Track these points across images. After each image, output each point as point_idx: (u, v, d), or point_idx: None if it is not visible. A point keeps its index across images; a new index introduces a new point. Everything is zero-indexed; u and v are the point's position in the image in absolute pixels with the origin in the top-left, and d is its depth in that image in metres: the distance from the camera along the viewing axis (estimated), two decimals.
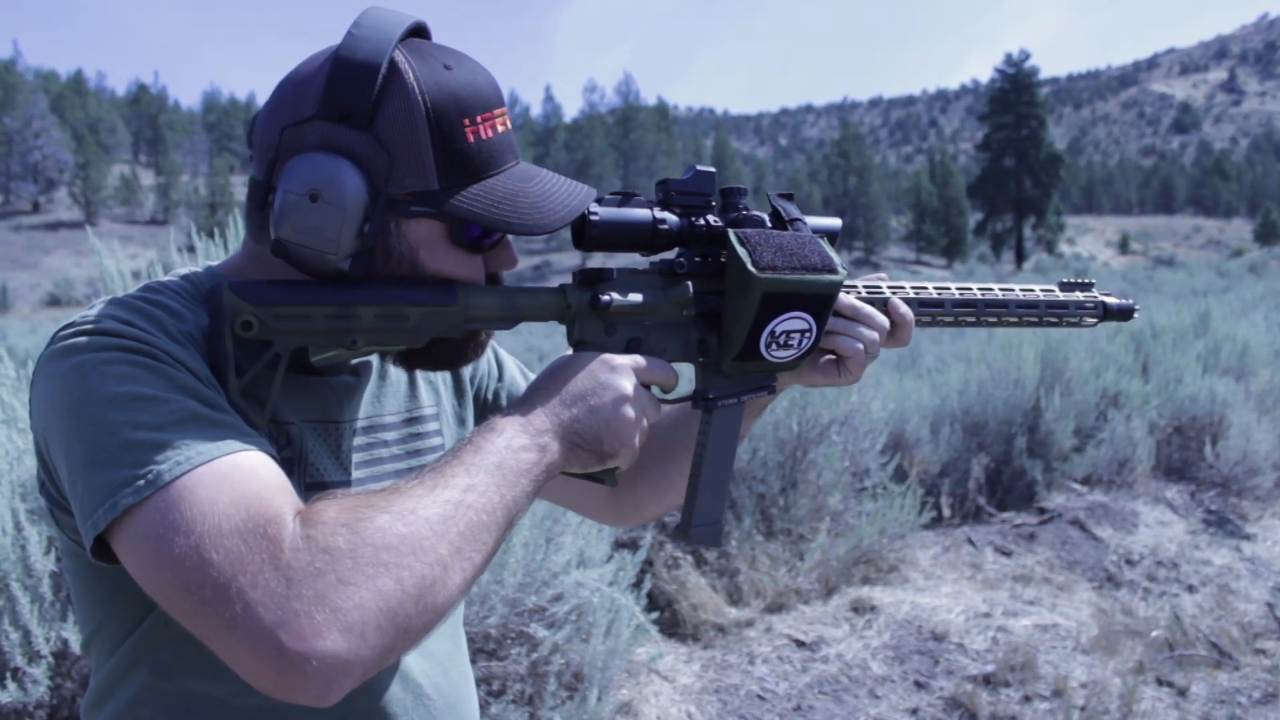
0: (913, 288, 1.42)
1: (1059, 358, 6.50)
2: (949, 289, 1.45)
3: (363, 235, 1.04)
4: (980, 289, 1.47)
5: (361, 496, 0.94)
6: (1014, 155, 72.07)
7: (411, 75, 1.04)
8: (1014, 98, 73.50)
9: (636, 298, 1.20)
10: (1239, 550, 5.65)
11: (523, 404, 1.09)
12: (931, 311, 1.42)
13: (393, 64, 1.04)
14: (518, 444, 1.03)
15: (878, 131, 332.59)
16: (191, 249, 3.35)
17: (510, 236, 1.17)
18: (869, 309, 1.33)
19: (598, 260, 34.57)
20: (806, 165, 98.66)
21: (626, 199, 1.20)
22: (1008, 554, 5.33)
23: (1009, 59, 74.07)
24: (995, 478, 6.18)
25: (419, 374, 1.32)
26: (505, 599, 3.08)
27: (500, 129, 1.10)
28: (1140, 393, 6.66)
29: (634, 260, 1.31)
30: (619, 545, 4.15)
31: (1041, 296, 1.50)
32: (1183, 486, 6.31)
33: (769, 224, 1.27)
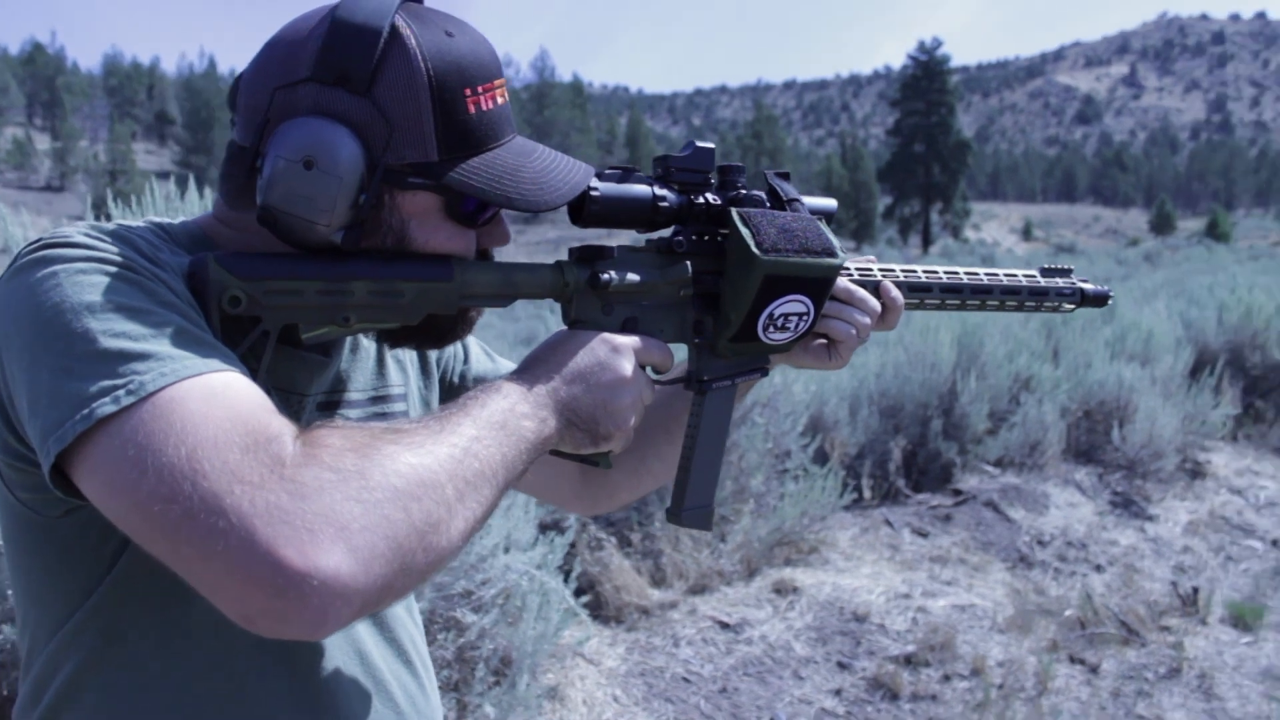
0: (902, 271, 1.42)
1: (975, 342, 6.61)
2: (937, 273, 1.44)
3: (357, 206, 0.99)
4: (967, 274, 1.46)
5: (365, 427, 0.89)
6: (924, 141, 73.08)
7: (414, 41, 0.99)
8: (925, 85, 74.47)
9: (635, 277, 1.16)
10: (1143, 531, 5.81)
11: (524, 374, 1.05)
12: (920, 295, 1.42)
13: (394, 28, 0.99)
14: (520, 410, 0.99)
15: (791, 114, 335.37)
16: (99, 218, 3.21)
17: (504, 212, 1.12)
18: (863, 293, 1.32)
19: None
20: (720, 146, 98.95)
21: (626, 174, 1.16)
22: (924, 535, 5.41)
23: (921, 46, 75.04)
24: (911, 460, 6.26)
25: (389, 353, 1.25)
26: (432, 583, 3.02)
27: (500, 100, 1.06)
28: (1051, 377, 6.80)
29: (627, 238, 1.28)
30: (544, 527, 4.10)
31: (1024, 282, 1.51)
32: (1091, 469, 6.47)
33: (768, 203, 1.24)
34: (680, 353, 1.30)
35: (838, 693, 3.80)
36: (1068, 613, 4.57)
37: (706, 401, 1.27)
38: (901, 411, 6.31)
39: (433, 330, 1.10)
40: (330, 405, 1.15)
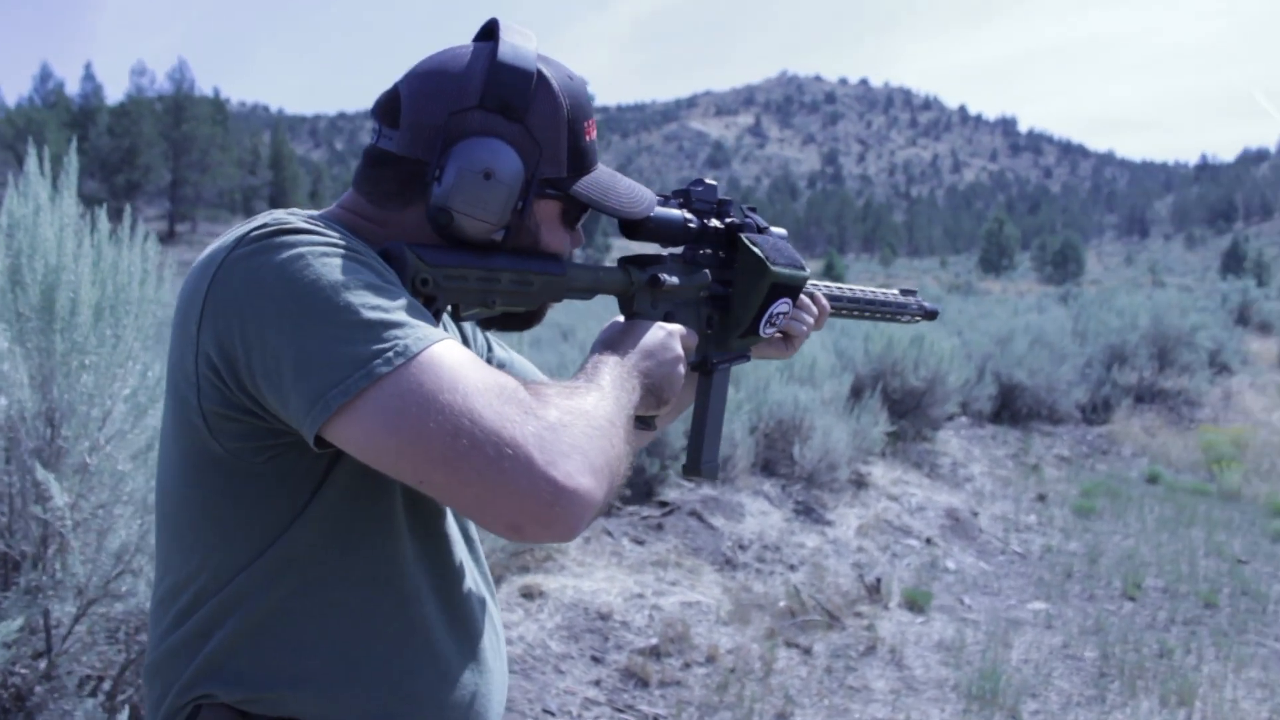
0: (824, 285, 1.75)
1: None
2: (844, 288, 1.79)
3: (515, 212, 1.21)
4: (859, 290, 1.82)
5: (549, 383, 1.12)
6: None
7: (556, 83, 1.23)
8: None
9: (675, 280, 1.43)
10: (824, 534, 6.55)
11: (612, 351, 1.28)
12: (835, 304, 1.75)
13: (539, 71, 1.22)
14: (623, 375, 1.23)
15: None
16: None
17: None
18: (811, 300, 1.66)
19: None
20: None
21: (665, 201, 1.45)
22: (641, 543, 5.83)
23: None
24: None
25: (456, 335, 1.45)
26: None
27: (595, 133, 1.30)
28: (734, 399, 7.48)
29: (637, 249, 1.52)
30: None
31: (893, 299, 1.89)
32: (776, 481, 7.18)
33: (764, 227, 1.54)
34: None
35: (597, 683, 4.11)
36: (781, 604, 5.13)
37: (714, 380, 1.56)
38: None
39: (522, 318, 1.33)
40: None
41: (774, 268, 1.48)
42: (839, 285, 1.80)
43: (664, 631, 4.57)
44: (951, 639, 5.06)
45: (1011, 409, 11.88)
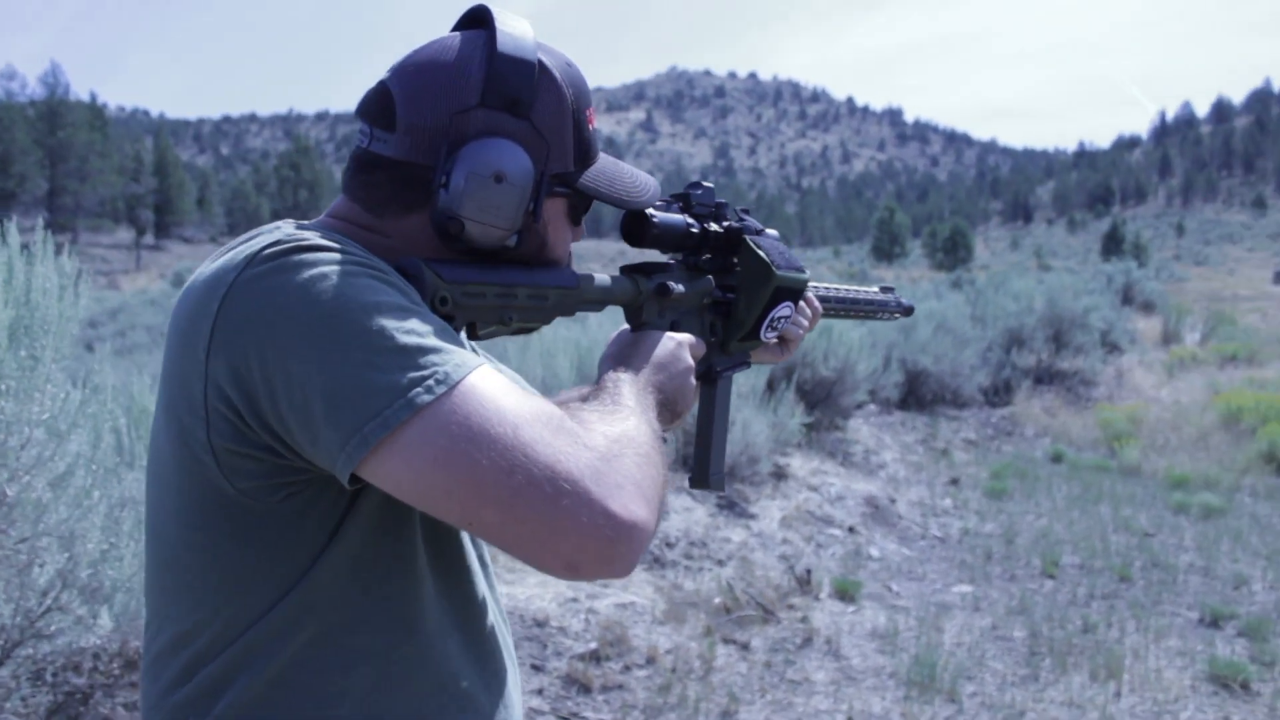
0: (817, 287, 1.71)
1: (589, 364, 7.11)
2: (834, 289, 1.76)
3: (527, 214, 1.14)
4: (846, 290, 1.79)
5: (583, 406, 1.06)
6: None
7: (558, 72, 1.16)
8: None
9: (681, 288, 1.38)
10: (749, 528, 6.57)
11: (625, 366, 1.22)
12: (825, 305, 1.72)
13: (540, 60, 1.15)
14: (639, 392, 1.17)
15: (324, 145, 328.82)
16: None
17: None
18: (808, 303, 1.61)
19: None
20: (254, 176, 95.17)
21: (667, 206, 1.39)
22: None
23: None
24: None
25: None
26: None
27: (595, 120, 1.24)
28: None
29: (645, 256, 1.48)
30: None
31: (876, 297, 1.86)
32: None
33: (765, 230, 1.50)
34: None
35: (539, 692, 4.04)
36: (715, 600, 5.12)
37: (718, 388, 1.51)
38: None
39: (524, 333, 1.26)
40: None
41: (778, 271, 1.44)
42: (829, 286, 1.77)
43: (602, 635, 4.53)
44: (884, 626, 5.11)
45: (917, 395, 12.11)
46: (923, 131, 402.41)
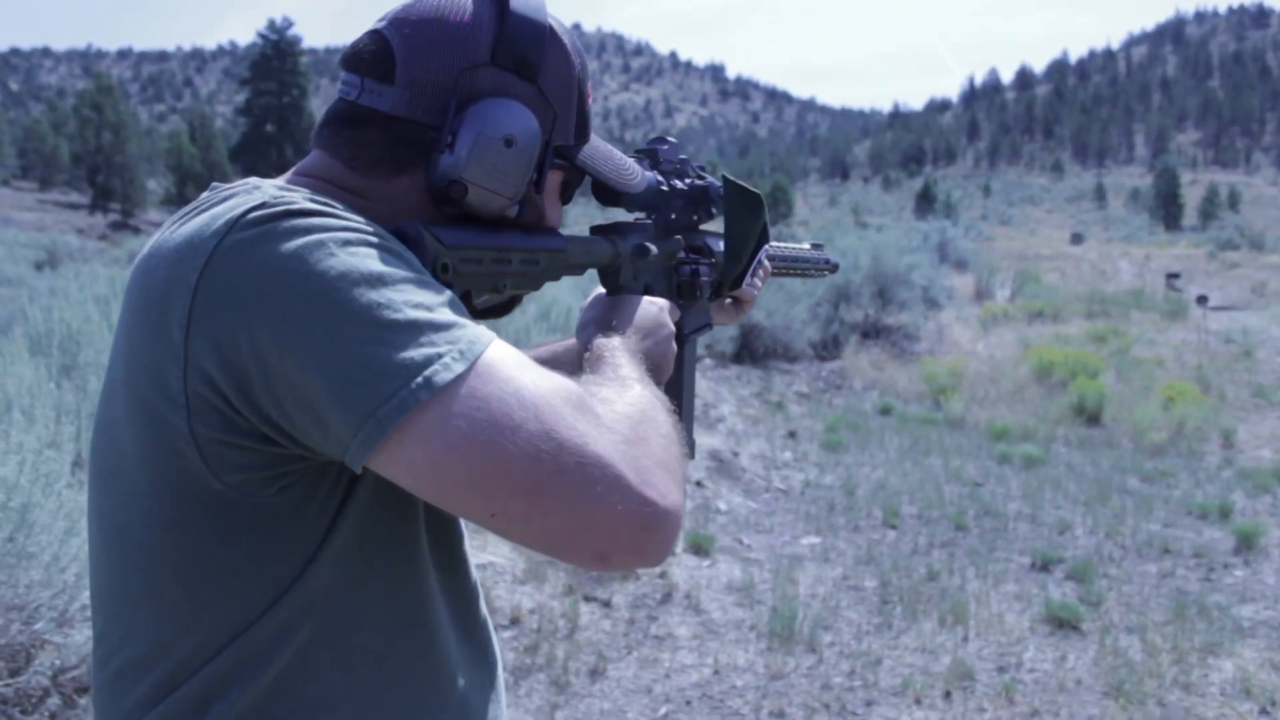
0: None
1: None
2: (780, 247, 1.72)
3: (531, 183, 1.06)
4: (788, 247, 1.75)
5: (588, 378, 0.98)
6: (275, 122, 72.01)
7: (566, 40, 1.08)
8: (277, 65, 73.30)
9: (655, 249, 1.31)
10: None
11: (611, 333, 1.14)
12: (773, 263, 1.68)
13: (551, 26, 1.06)
14: (633, 362, 1.10)
15: (128, 85, 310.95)
16: None
17: None
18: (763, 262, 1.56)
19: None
20: (50, 115, 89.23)
21: (639, 163, 1.31)
22: None
23: (272, 25, 73.71)
24: None
25: None
26: (16, 605, 2.70)
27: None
28: None
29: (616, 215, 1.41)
30: None
31: (812, 255, 1.83)
32: None
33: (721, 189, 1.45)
34: None
35: None
36: None
37: (685, 352, 1.45)
38: None
39: (502, 306, 1.18)
40: None
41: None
42: (776, 244, 1.73)
43: None
44: (740, 579, 5.19)
45: (751, 349, 12.35)
46: (744, 88, 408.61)
